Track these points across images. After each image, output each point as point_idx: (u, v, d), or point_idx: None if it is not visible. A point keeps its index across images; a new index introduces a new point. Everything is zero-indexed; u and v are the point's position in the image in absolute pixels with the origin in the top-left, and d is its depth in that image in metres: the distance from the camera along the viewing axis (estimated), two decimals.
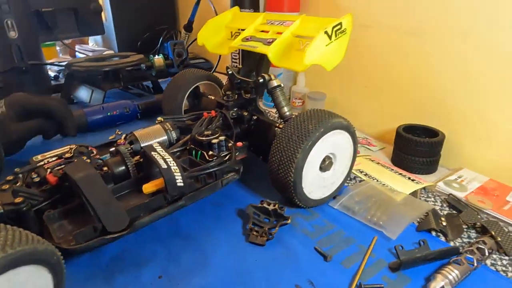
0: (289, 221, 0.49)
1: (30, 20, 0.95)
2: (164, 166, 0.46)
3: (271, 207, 0.50)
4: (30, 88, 0.97)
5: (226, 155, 0.53)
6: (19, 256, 0.27)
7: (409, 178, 0.62)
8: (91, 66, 0.90)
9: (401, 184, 0.60)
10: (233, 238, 0.47)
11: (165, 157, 0.47)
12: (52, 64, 1.05)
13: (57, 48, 1.46)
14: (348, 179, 0.62)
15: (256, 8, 0.99)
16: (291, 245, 0.46)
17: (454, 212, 0.54)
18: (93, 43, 1.64)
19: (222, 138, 0.55)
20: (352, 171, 0.64)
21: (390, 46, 0.74)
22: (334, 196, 0.57)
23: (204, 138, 0.54)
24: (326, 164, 0.53)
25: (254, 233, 0.48)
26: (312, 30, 0.54)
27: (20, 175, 0.46)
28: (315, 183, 0.52)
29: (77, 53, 1.43)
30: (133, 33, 1.38)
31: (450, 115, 0.67)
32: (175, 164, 0.46)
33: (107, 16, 1.36)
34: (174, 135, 0.59)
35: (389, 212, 0.52)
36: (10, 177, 0.45)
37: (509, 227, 0.51)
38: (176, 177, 0.45)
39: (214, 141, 0.54)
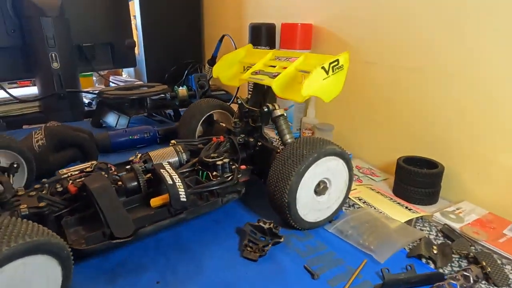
0: (282, 240, 0.52)
1: (72, 53, 1.07)
2: (170, 182, 0.51)
3: (266, 226, 0.53)
4: (66, 113, 1.08)
5: (228, 176, 0.58)
6: (35, 245, 0.32)
7: (406, 208, 0.64)
8: (119, 94, 0.99)
9: (397, 213, 0.62)
10: (228, 253, 0.51)
11: (172, 175, 0.52)
12: (87, 92, 1.16)
13: (94, 78, 1.60)
14: (346, 205, 0.65)
15: (272, 46, 1.07)
16: (281, 262, 0.49)
17: (448, 241, 0.55)
18: (126, 74, 1.79)
19: (226, 160, 0.60)
20: (351, 198, 0.67)
21: (393, 82, 0.78)
22: (330, 220, 0.59)
23: (209, 160, 0.59)
24: (321, 188, 0.56)
25: (249, 249, 0.51)
26: (312, 65, 0.60)
27: (46, 185, 0.53)
28: (309, 206, 0.55)
29: (110, 83, 1.57)
30: (162, 66, 1.50)
31: (449, 149, 0.68)
32: (180, 181, 0.51)
33: (139, 50, 1.50)
34: (184, 156, 0.65)
35: (381, 237, 0.54)
36: (37, 186, 0.52)
37: (503, 259, 0.51)
38: (180, 193, 0.50)
39: (219, 162, 0.59)
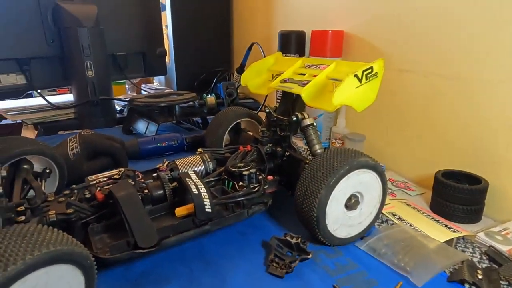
0: (310, 256, 0.49)
1: (106, 62, 1.10)
2: (195, 192, 0.50)
3: (294, 241, 0.51)
4: (99, 119, 1.11)
5: (255, 187, 0.56)
6: (58, 254, 0.32)
7: (446, 226, 0.59)
8: (149, 102, 1.01)
9: (436, 231, 0.57)
10: (253, 267, 0.49)
11: (197, 184, 0.51)
12: (118, 99, 1.19)
13: (126, 86, 1.65)
14: (379, 221, 0.61)
15: (301, 54, 1.05)
16: (309, 280, 0.46)
17: (494, 266, 0.50)
18: (157, 83, 1.83)
19: (252, 170, 0.58)
20: (385, 214, 0.63)
21: (430, 90, 0.73)
22: (362, 236, 0.56)
23: (235, 170, 0.58)
24: (352, 203, 0.53)
25: (275, 264, 0.49)
26: (344, 73, 0.57)
27: (75, 191, 0.53)
28: (340, 221, 0.52)
29: (142, 91, 1.60)
30: (191, 74, 1.52)
31: (495, 163, 0.63)
32: (205, 191, 0.50)
33: (170, 59, 1.52)
34: (211, 165, 0.64)
35: (418, 257, 0.50)
36: (67, 192, 0.52)
37: None
38: (205, 203, 0.49)
39: (245, 172, 0.57)
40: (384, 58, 0.58)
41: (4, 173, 0.46)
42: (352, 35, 0.93)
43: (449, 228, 0.58)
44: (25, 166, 0.59)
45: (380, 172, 0.54)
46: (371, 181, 0.53)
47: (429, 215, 0.63)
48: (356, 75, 0.55)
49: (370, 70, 0.56)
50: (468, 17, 0.65)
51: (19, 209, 0.47)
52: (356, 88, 0.55)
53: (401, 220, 0.61)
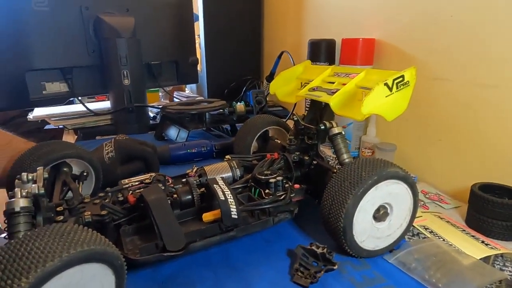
0: (335, 267, 0.48)
1: (141, 70, 1.15)
2: (222, 198, 0.51)
3: (319, 251, 0.50)
4: (133, 126, 1.16)
5: (281, 195, 0.56)
6: (92, 253, 0.34)
7: (483, 242, 0.56)
8: (180, 109, 1.04)
9: (472, 247, 0.54)
10: (278, 275, 0.48)
11: (224, 190, 0.52)
12: (152, 106, 1.24)
13: (160, 94, 1.71)
14: (409, 234, 0.59)
15: (331, 62, 1.05)
16: None
17: None
18: (189, 90, 1.89)
19: (279, 178, 0.58)
20: (416, 226, 0.61)
21: (467, 99, 0.70)
22: (391, 249, 0.54)
23: (262, 177, 0.58)
24: (380, 214, 0.52)
25: (299, 273, 0.48)
26: (374, 82, 0.56)
27: (110, 194, 0.56)
28: (367, 232, 0.51)
29: (174, 98, 1.66)
30: (222, 82, 1.55)
31: None
32: (232, 197, 0.51)
33: (201, 67, 1.57)
34: (238, 172, 0.65)
35: (451, 274, 0.48)
36: (102, 194, 0.55)
37: None
38: (231, 209, 0.50)
39: (272, 180, 0.58)
40: (417, 66, 0.57)
41: (46, 175, 0.49)
42: (384, 43, 0.91)
43: (486, 244, 0.55)
44: (65, 169, 0.63)
45: (411, 184, 0.52)
46: (401, 192, 0.52)
47: (464, 230, 0.60)
48: (386, 84, 0.54)
49: (401, 79, 0.55)
50: (508, 23, 0.62)
51: (58, 209, 0.50)
52: (386, 97, 0.54)
53: (434, 234, 0.59)
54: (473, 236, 0.58)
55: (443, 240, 0.57)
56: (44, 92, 1.09)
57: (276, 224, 0.54)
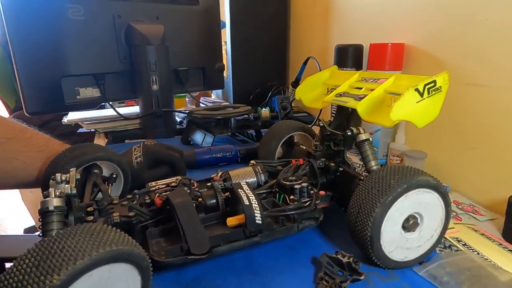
0: (362, 278, 0.47)
1: (169, 76, 1.18)
2: (246, 203, 0.51)
3: (345, 260, 0.49)
4: (160, 130, 1.18)
5: (306, 201, 0.56)
6: (119, 253, 0.34)
7: None
8: (206, 114, 1.05)
9: (509, 262, 0.51)
10: (302, 284, 0.48)
11: (249, 195, 0.52)
12: (179, 111, 1.27)
13: (187, 99, 1.74)
14: (441, 246, 0.56)
15: (358, 67, 1.03)
16: None
17: None
18: (215, 96, 1.91)
19: (304, 184, 0.58)
20: (448, 238, 0.58)
21: (505, 106, 0.67)
22: (421, 261, 0.52)
23: (287, 183, 0.58)
24: (410, 224, 0.50)
25: (324, 282, 0.47)
26: (404, 87, 0.55)
27: (137, 196, 0.57)
28: (396, 242, 0.49)
29: (200, 104, 1.68)
30: (247, 88, 1.56)
31: None
32: (256, 203, 0.51)
33: (227, 73, 1.58)
34: (263, 177, 0.65)
35: None
36: (129, 196, 0.56)
37: None
38: (256, 215, 0.50)
39: (297, 186, 0.57)
40: (449, 71, 0.55)
41: (78, 176, 0.51)
42: (414, 47, 0.89)
43: None
44: (96, 171, 0.65)
45: (443, 193, 0.50)
46: (432, 202, 0.50)
47: (501, 244, 0.57)
48: (417, 89, 0.52)
49: (433, 84, 0.53)
50: None
51: (88, 209, 0.51)
52: (416, 102, 0.53)
53: (467, 247, 0.56)
54: (510, 250, 0.55)
55: (478, 253, 0.54)
56: (78, 97, 1.14)
57: (300, 230, 0.54)
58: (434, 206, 0.50)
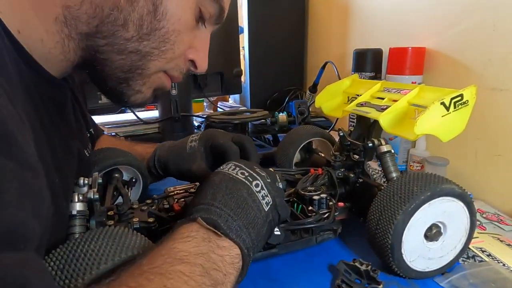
0: (380, 287, 0.46)
1: (188, 81, 1.20)
2: None
3: (363, 268, 0.48)
4: (178, 134, 1.20)
5: (325, 213, 0.55)
6: None
7: None
8: (224, 119, 1.06)
9: None
10: None
11: None
12: (197, 116, 1.28)
13: (205, 104, 1.76)
14: (464, 256, 0.55)
15: (377, 72, 1.02)
16: None
17: None
18: (232, 101, 1.92)
19: (323, 195, 0.57)
20: (472, 248, 0.56)
21: None
22: (443, 272, 0.50)
23: (306, 193, 0.57)
24: (433, 233, 0.48)
25: None
26: (429, 99, 0.52)
27: (156, 201, 0.58)
28: (418, 252, 0.48)
29: (218, 108, 1.70)
30: (265, 93, 1.57)
31: None
32: None
33: (245, 78, 1.59)
34: (281, 186, 0.64)
35: None
36: (149, 201, 0.57)
37: None
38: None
39: (315, 197, 0.56)
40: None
41: (100, 180, 0.52)
42: (435, 51, 0.87)
43: None
44: (116, 175, 0.66)
45: (468, 202, 0.49)
46: (456, 211, 0.48)
47: None
48: (443, 103, 0.50)
49: (459, 98, 0.51)
50: None
51: (109, 213, 0.52)
52: (442, 116, 0.51)
53: (492, 258, 0.54)
54: None
55: (503, 264, 0.52)
56: (99, 101, 1.17)
57: (319, 243, 0.53)
58: (459, 216, 0.49)
